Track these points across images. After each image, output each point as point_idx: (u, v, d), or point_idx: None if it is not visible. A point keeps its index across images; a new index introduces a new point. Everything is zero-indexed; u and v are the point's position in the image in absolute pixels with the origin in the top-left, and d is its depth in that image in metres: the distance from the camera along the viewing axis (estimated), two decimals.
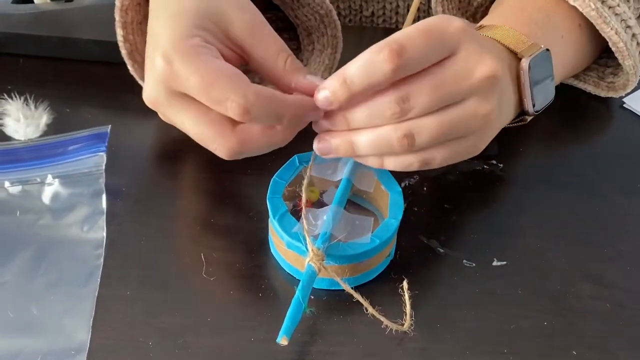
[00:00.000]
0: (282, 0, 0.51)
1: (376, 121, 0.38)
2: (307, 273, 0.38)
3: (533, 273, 0.43)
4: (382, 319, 0.38)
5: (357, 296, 0.38)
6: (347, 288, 0.39)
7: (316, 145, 0.40)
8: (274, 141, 0.39)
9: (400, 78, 0.37)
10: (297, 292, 0.37)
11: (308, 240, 0.39)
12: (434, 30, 0.37)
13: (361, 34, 0.63)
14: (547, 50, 0.45)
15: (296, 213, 0.43)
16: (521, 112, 0.46)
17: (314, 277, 0.38)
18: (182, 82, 0.37)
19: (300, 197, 0.44)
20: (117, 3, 0.45)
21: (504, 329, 0.40)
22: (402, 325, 0.39)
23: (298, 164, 0.44)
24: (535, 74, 0.44)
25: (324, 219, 0.40)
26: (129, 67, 0.47)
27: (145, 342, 0.38)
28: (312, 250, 0.38)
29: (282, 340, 0.36)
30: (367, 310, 0.39)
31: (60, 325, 0.39)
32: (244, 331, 0.39)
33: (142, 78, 0.46)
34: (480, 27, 0.46)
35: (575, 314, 0.41)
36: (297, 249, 0.40)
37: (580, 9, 0.48)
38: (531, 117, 0.47)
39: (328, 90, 0.38)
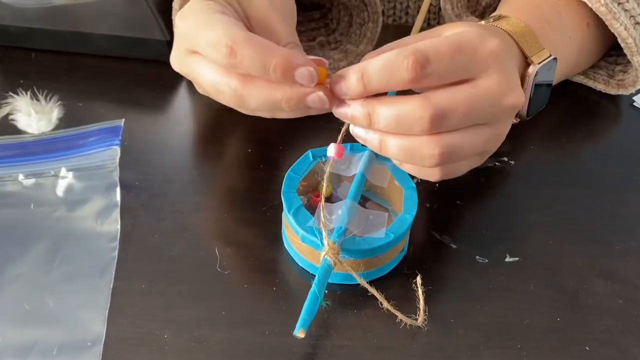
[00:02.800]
0: None
1: (403, 130, 0.37)
2: (322, 266, 0.38)
3: (545, 269, 0.43)
4: (397, 313, 0.39)
5: (373, 290, 0.39)
6: (363, 282, 0.39)
7: (335, 108, 0.39)
8: (273, 96, 0.38)
9: (420, 87, 0.37)
10: (313, 285, 0.38)
11: (324, 233, 0.39)
12: (465, 49, 0.37)
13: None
14: (555, 59, 0.45)
15: (310, 208, 0.43)
16: None
17: (330, 271, 0.39)
18: (191, 33, 0.39)
19: (314, 192, 0.44)
20: None
21: (517, 324, 0.40)
22: (416, 320, 0.39)
23: (312, 158, 0.44)
24: (539, 81, 0.44)
25: (339, 213, 0.41)
26: None
27: (160, 335, 0.38)
28: (328, 244, 0.39)
29: (299, 332, 0.36)
30: (381, 305, 0.39)
31: (76, 317, 0.39)
32: (259, 325, 0.39)
33: None
34: (499, 17, 0.45)
35: (587, 310, 0.41)
36: (312, 243, 0.40)
37: (590, 4, 0.48)
38: (520, 120, 0.47)
39: (343, 80, 0.37)
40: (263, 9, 0.42)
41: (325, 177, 0.41)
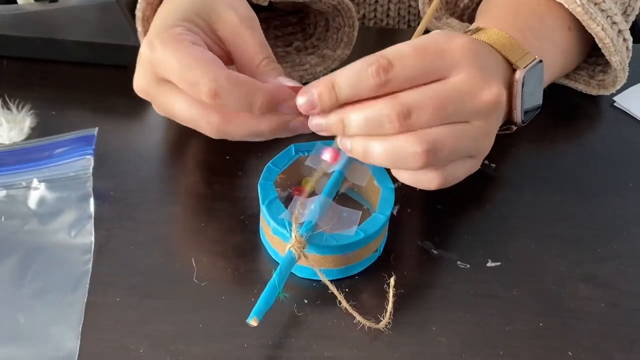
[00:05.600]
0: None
1: (374, 130, 0.37)
2: (286, 258, 0.38)
3: (527, 274, 0.43)
4: (355, 314, 0.38)
5: (333, 288, 0.38)
6: (324, 279, 0.39)
7: (309, 121, 0.39)
8: (257, 128, 0.39)
9: (390, 91, 0.37)
10: (274, 275, 0.37)
11: (294, 226, 0.39)
12: (430, 49, 0.37)
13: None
14: (541, 61, 0.44)
15: (288, 201, 0.42)
16: (507, 120, 0.46)
17: (293, 263, 0.39)
18: (163, 66, 0.39)
19: (297, 186, 0.45)
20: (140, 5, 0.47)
21: (500, 331, 0.40)
22: (379, 322, 0.38)
23: (294, 153, 0.44)
24: (528, 85, 0.43)
25: (312, 208, 0.40)
26: None
27: (135, 350, 0.38)
28: (295, 236, 0.39)
29: (252, 321, 0.36)
30: (340, 304, 0.38)
31: (48, 333, 0.38)
32: (237, 337, 0.38)
33: None
34: (477, 29, 0.45)
35: (570, 315, 0.41)
36: (282, 235, 0.40)
37: (566, 5, 0.47)
38: (516, 127, 0.46)
39: (315, 93, 0.37)
40: (232, 23, 0.41)
41: (314, 178, 0.42)
